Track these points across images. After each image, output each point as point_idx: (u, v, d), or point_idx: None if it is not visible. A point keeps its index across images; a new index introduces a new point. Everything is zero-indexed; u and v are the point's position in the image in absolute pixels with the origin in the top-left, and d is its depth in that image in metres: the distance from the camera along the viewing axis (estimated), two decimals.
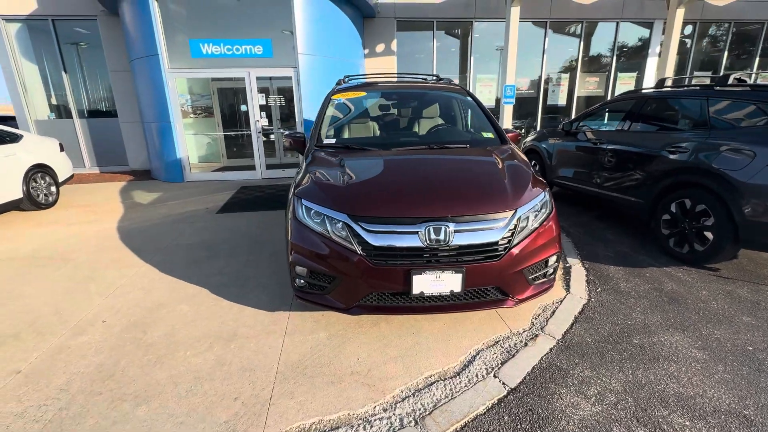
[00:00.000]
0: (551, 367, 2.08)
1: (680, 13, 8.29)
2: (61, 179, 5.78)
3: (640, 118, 4.01)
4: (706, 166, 3.14)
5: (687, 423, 1.70)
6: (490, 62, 9.97)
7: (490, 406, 1.82)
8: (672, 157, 3.43)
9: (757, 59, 10.71)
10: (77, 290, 3.05)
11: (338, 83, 4.49)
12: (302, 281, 2.31)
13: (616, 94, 10.46)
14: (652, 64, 10.24)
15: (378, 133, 3.38)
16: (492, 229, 2.10)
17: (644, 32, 10.09)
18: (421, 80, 4.15)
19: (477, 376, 2.02)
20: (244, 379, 2.02)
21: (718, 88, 3.42)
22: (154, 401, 1.88)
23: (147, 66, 6.93)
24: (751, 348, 2.20)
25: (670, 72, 8.49)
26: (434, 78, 4.41)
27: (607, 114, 5.16)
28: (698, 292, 2.86)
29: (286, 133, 3.47)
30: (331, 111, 3.34)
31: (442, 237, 2.05)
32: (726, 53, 10.54)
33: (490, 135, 3.10)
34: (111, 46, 8.31)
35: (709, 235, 3.18)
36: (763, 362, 2.08)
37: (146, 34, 6.70)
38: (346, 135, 3.27)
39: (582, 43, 9.91)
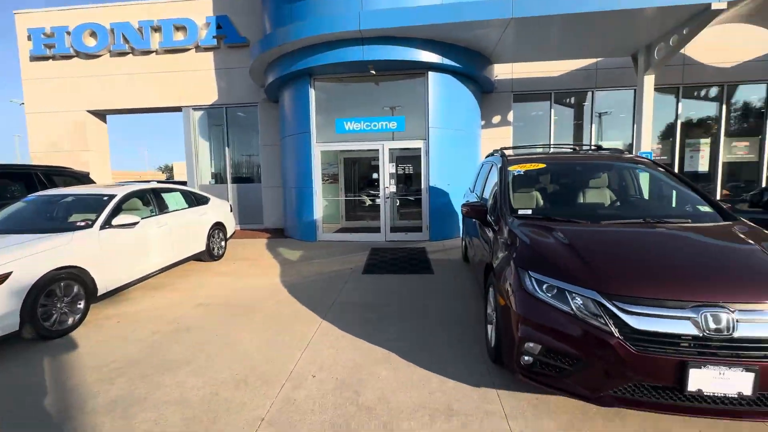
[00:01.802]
0: None
1: None
2: (228, 235, 6.73)
3: None
4: None
5: None
6: (613, 128, 9.61)
7: None
8: None
9: None
10: (277, 341, 3.31)
11: (493, 153, 4.66)
12: (530, 359, 2.19)
13: None
14: None
15: (569, 205, 3.33)
16: None
17: None
18: (589, 152, 4.09)
19: None
20: None
21: None
22: None
23: (298, 141, 8.09)
24: None
25: None
26: (594, 148, 4.33)
27: None
28: None
29: (465, 202, 3.60)
30: (510, 182, 3.40)
31: (723, 326, 1.80)
32: None
33: (707, 209, 2.82)
34: (264, 126, 10.00)
35: None
36: None
37: (302, 115, 7.93)
38: (535, 206, 3.26)
39: (724, 106, 9.09)
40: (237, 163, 10.77)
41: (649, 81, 7.59)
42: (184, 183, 11.07)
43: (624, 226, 2.61)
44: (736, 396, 1.78)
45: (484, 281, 3.23)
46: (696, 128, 9.40)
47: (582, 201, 3.29)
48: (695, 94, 9.42)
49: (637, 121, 7.92)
